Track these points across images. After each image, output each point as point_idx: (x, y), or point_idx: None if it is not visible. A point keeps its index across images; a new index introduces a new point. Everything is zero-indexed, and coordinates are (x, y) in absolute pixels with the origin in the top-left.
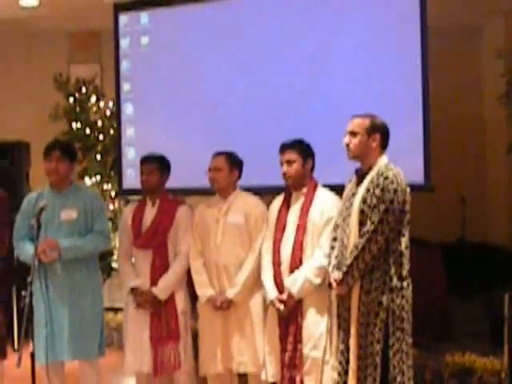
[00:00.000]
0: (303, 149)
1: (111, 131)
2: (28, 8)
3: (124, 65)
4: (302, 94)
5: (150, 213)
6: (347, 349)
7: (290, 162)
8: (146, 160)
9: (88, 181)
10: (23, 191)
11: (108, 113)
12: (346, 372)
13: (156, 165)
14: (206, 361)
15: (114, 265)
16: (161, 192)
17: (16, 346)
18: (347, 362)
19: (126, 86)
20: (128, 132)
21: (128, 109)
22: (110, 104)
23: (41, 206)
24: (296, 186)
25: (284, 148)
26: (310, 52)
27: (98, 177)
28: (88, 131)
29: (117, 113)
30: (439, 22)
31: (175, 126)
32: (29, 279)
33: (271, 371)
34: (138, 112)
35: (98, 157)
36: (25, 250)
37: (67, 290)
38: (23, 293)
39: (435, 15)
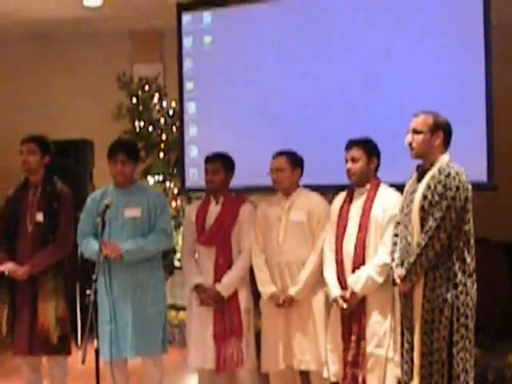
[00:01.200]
0: (369, 147)
1: (174, 130)
2: (91, 8)
3: (187, 64)
4: (364, 92)
5: (213, 210)
6: (411, 346)
7: (354, 160)
8: (210, 159)
9: (151, 179)
10: (87, 189)
11: (171, 112)
12: (411, 370)
13: (220, 163)
14: (269, 358)
15: (177, 263)
16: (225, 190)
17: (79, 342)
18: (412, 360)
19: (188, 85)
20: (191, 131)
21: (191, 108)
22: (173, 103)
23: (105, 204)
24: (359, 183)
25: (350, 145)
26: (371, 51)
27: (161, 175)
28: (151, 130)
29: (180, 112)
30: (503, 18)
31: (238, 125)
32: (93, 277)
33: (333, 369)
34: (201, 111)
35: (161, 155)
36: (89, 248)
37: (130, 288)
38: (88, 291)
39: (498, 12)
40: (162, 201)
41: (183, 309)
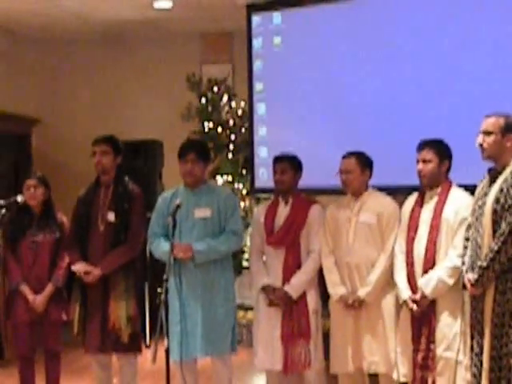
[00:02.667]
0: (441, 149)
1: (243, 130)
2: (162, 10)
3: (256, 65)
4: (436, 91)
5: (282, 211)
6: (481, 350)
7: (425, 161)
8: (278, 159)
9: (220, 179)
10: (156, 189)
11: (240, 112)
12: (480, 373)
13: (289, 164)
14: (337, 360)
15: (245, 263)
16: (294, 191)
17: (148, 342)
18: (481, 363)
19: (258, 86)
20: (260, 131)
21: (260, 108)
22: (242, 104)
23: (176, 205)
24: (430, 185)
25: (422, 146)
26: (444, 50)
27: (230, 176)
28: (220, 130)
29: (249, 112)
30: None
31: (307, 126)
32: (164, 276)
33: (403, 371)
34: (271, 112)
35: (230, 156)
36: (160, 248)
37: (200, 288)
38: (159, 290)
39: None
40: (232, 201)
41: (251, 309)
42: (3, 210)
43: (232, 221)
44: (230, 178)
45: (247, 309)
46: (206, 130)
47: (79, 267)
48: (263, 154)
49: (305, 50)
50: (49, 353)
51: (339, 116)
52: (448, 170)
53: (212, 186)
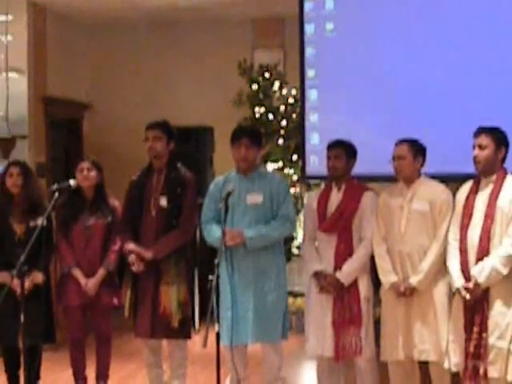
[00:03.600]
0: (498, 136)
1: (294, 117)
2: None
3: (308, 51)
4: (492, 78)
5: (335, 198)
6: None
7: (481, 147)
8: (333, 145)
9: (270, 166)
10: (207, 175)
11: (290, 99)
12: None
13: (343, 150)
14: (388, 347)
15: (294, 250)
16: (347, 177)
17: (197, 327)
18: None
19: (310, 72)
20: (312, 118)
21: (312, 95)
22: (293, 90)
23: (228, 190)
24: (485, 172)
25: (479, 132)
26: (497, 32)
27: (280, 162)
28: (271, 117)
29: (301, 99)
30: None
31: (360, 112)
32: (216, 261)
33: (454, 360)
34: (322, 98)
35: (280, 142)
36: (212, 233)
37: (252, 274)
38: (210, 276)
39: None
40: (284, 187)
41: (301, 295)
42: (56, 194)
43: (284, 206)
44: (280, 165)
45: (296, 295)
46: (257, 116)
47: (131, 247)
48: (314, 141)
49: (357, 36)
50: (100, 337)
51: (392, 103)
52: (504, 158)
53: (264, 172)
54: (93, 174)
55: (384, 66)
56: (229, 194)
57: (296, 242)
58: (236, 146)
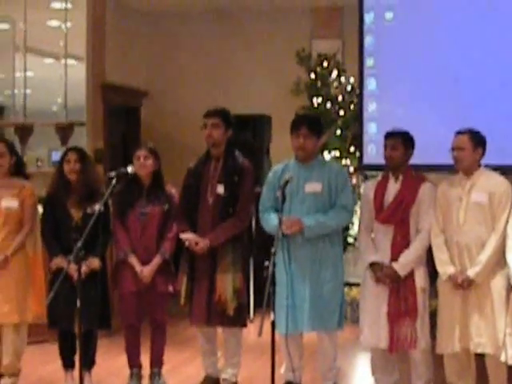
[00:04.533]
0: None
1: (351, 106)
2: None
3: (367, 40)
4: None
5: (392, 188)
6: None
7: None
8: (390, 135)
9: (327, 155)
10: (263, 164)
11: (349, 88)
12: None
13: (401, 140)
14: (444, 339)
15: (350, 240)
16: (404, 167)
17: (251, 315)
18: None
19: (369, 61)
20: (370, 107)
21: (371, 84)
22: (351, 79)
23: (286, 179)
24: None
25: None
26: None
27: (337, 152)
28: (328, 106)
29: (359, 88)
30: None
31: (419, 102)
32: (272, 250)
33: (511, 353)
34: (381, 87)
35: (338, 132)
36: (270, 222)
37: (309, 262)
38: (266, 263)
39: None
40: (343, 176)
41: (356, 286)
42: (114, 181)
43: (343, 195)
44: (337, 155)
45: (351, 286)
46: (315, 105)
47: (188, 236)
48: (372, 130)
49: (418, 24)
50: (154, 324)
51: (453, 92)
52: None
53: (323, 161)
54: (149, 162)
55: (445, 55)
56: (287, 183)
57: (352, 232)
58: (295, 134)
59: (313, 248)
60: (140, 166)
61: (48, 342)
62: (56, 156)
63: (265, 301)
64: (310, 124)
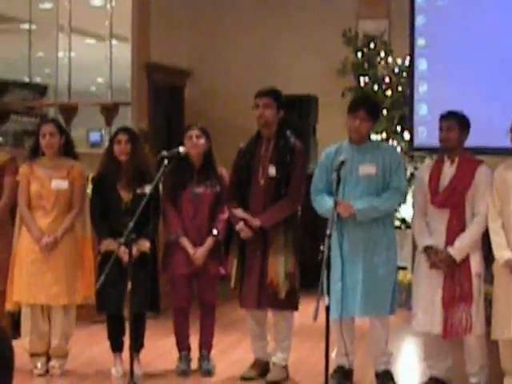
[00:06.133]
0: None
1: (399, 87)
2: None
3: (419, 20)
4: None
5: (448, 171)
6: None
7: None
8: (446, 116)
9: (374, 137)
10: (310, 144)
11: (396, 69)
12: None
13: (456, 122)
14: (499, 325)
15: (397, 222)
16: (460, 150)
17: None
18: None
19: (420, 42)
20: (420, 88)
21: (421, 64)
22: (399, 60)
23: (341, 161)
24: None
25: None
26: None
27: (384, 133)
28: (375, 87)
29: (410, 69)
30: None
31: (472, 83)
32: (327, 232)
33: None
34: (432, 68)
35: (385, 113)
36: (323, 204)
37: (362, 246)
38: (321, 247)
39: None
40: (397, 158)
41: (402, 269)
42: (165, 162)
43: (396, 178)
44: (384, 136)
45: (399, 269)
46: (361, 85)
47: (240, 213)
48: (423, 112)
49: (471, 4)
50: (204, 306)
51: (507, 72)
52: None
53: (377, 142)
54: (201, 141)
55: (499, 35)
56: (342, 164)
57: (398, 215)
58: (352, 115)
59: (366, 231)
60: (192, 145)
61: (96, 323)
62: (94, 137)
63: (320, 285)
64: (368, 108)
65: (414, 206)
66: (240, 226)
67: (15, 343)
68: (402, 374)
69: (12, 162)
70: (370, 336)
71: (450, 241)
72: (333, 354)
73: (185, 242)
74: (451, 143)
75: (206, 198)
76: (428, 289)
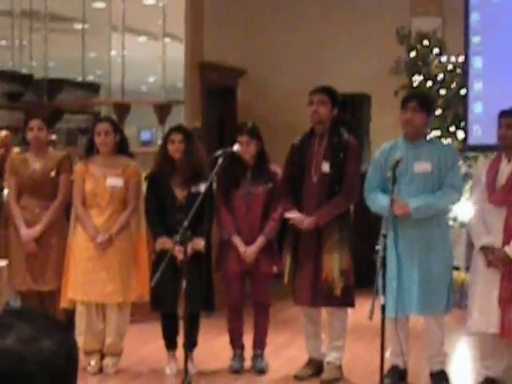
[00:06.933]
0: None
1: (452, 86)
2: None
3: (473, 17)
4: None
5: (505, 169)
6: None
7: None
8: (505, 113)
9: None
10: (363, 144)
11: (450, 67)
12: None
13: None
14: None
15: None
16: None
17: None
18: None
19: (475, 39)
20: (476, 86)
21: (476, 62)
22: (452, 58)
23: (396, 159)
24: None
25: None
26: None
27: (438, 132)
28: (429, 85)
29: (465, 67)
30: None
31: None
32: (383, 231)
33: None
34: (488, 65)
35: (438, 111)
36: (377, 201)
37: (417, 244)
38: (376, 246)
39: None
40: (453, 155)
41: (455, 268)
42: (220, 160)
43: (452, 175)
44: (437, 134)
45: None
46: (415, 84)
47: (293, 215)
48: (478, 110)
49: None
50: (258, 305)
51: None
52: None
53: (432, 140)
54: (252, 146)
55: None
56: (398, 163)
57: (451, 213)
58: (403, 109)
59: (421, 229)
60: (243, 151)
61: (149, 321)
62: (145, 135)
63: (375, 283)
64: (419, 99)
65: (471, 204)
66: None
67: None
68: (457, 374)
69: (67, 159)
70: (425, 335)
71: (507, 239)
72: (387, 354)
73: (236, 241)
74: (510, 141)
75: (258, 196)
76: (484, 288)
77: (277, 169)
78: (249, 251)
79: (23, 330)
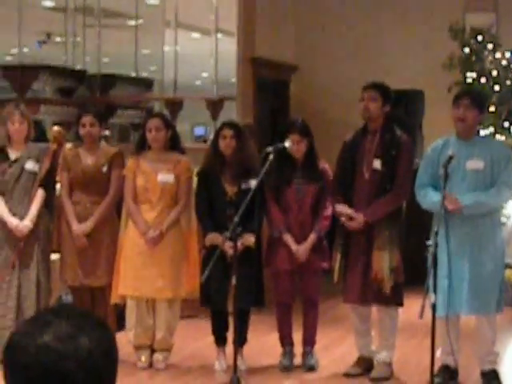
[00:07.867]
0: None
1: (507, 82)
2: None
3: None
4: None
5: None
6: None
7: None
8: None
9: (481, 132)
10: (416, 140)
11: (504, 63)
12: None
13: None
14: None
15: (503, 218)
16: None
17: None
18: None
19: None
20: None
21: None
22: (507, 54)
23: (449, 156)
24: None
25: None
26: None
27: (491, 128)
28: (482, 81)
29: None
30: None
31: None
32: (434, 229)
33: None
34: None
35: (492, 108)
36: (428, 198)
37: (469, 241)
38: (428, 242)
39: None
40: (506, 153)
41: (509, 267)
42: (271, 157)
43: (505, 173)
44: (491, 131)
45: (505, 267)
46: (469, 80)
47: (342, 209)
48: None
49: None
50: (308, 302)
51: None
52: None
53: (485, 137)
54: (302, 145)
55: None
56: (450, 159)
57: (504, 211)
58: (455, 105)
59: (473, 227)
60: (294, 149)
61: (200, 316)
62: (199, 131)
63: (426, 282)
64: (471, 95)
65: None
66: (343, 220)
67: (119, 335)
68: (509, 374)
69: (119, 155)
70: (476, 335)
71: None
72: (438, 353)
73: (288, 239)
74: None
75: (309, 194)
76: None
77: (326, 166)
78: (301, 249)
79: (61, 328)
